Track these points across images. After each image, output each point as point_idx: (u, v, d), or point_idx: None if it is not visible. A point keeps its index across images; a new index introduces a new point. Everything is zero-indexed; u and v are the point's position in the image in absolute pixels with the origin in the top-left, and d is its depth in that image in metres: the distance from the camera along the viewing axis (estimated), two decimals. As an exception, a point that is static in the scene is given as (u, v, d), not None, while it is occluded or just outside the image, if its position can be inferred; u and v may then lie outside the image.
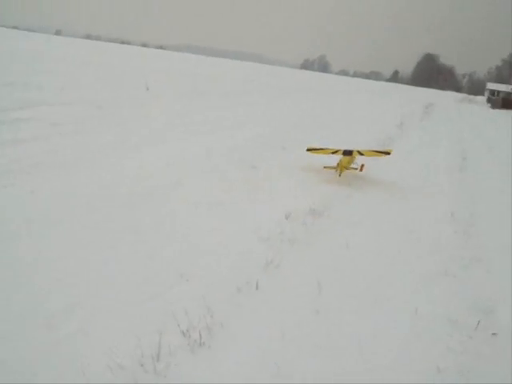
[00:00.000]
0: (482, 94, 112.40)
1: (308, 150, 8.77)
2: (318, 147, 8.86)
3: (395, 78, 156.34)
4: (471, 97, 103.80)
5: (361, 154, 8.22)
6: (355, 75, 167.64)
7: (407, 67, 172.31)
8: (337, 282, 4.16)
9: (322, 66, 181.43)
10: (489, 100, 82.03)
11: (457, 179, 9.01)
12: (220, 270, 4.09)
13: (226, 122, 12.25)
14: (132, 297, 3.52)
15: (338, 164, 7.79)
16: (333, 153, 8.31)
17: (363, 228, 5.64)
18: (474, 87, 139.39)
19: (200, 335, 3.10)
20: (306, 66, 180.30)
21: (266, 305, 3.65)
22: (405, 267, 4.62)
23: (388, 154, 8.38)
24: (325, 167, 7.98)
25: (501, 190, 8.30)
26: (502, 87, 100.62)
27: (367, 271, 4.45)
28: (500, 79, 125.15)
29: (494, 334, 3.56)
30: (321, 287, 3.96)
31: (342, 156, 8.03)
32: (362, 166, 8.04)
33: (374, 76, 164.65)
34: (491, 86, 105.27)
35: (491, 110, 54.78)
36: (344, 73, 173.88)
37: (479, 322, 3.63)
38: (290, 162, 8.53)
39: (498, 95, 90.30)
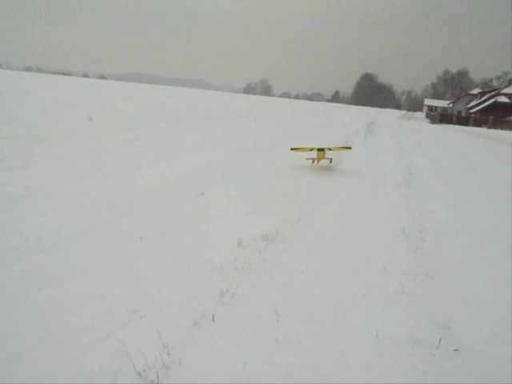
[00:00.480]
0: (420, 109, 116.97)
1: (292, 149, 11.93)
2: (299, 147, 12.12)
3: (336, 98, 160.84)
4: (410, 113, 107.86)
5: (329, 149, 11.79)
6: (297, 97, 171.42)
7: (347, 87, 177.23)
8: (295, 308, 4.11)
9: (264, 90, 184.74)
10: (427, 115, 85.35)
11: (405, 195, 9.19)
12: (175, 304, 3.97)
13: (173, 150, 12.11)
14: (83, 338, 3.35)
15: (315, 158, 11.54)
16: (310, 150, 11.67)
17: (319, 253, 5.62)
18: (413, 104, 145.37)
19: (157, 375, 2.98)
20: (249, 90, 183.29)
21: (224, 337, 3.55)
22: (361, 289, 4.62)
23: (349, 148, 12.81)
24: (306, 159, 11.73)
25: (448, 204, 8.52)
26: (440, 103, 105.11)
27: (324, 295, 4.41)
28: (436, 95, 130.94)
29: (455, 350, 3.58)
30: (279, 315, 3.89)
31: (317, 151, 11.52)
32: (331, 159, 11.77)
33: (316, 97, 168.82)
34: (429, 102, 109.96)
35: (430, 125, 56.87)
36: (286, 95, 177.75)
37: (440, 339, 3.65)
38: (241, 186, 8.47)
39: (435, 110, 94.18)
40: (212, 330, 3.64)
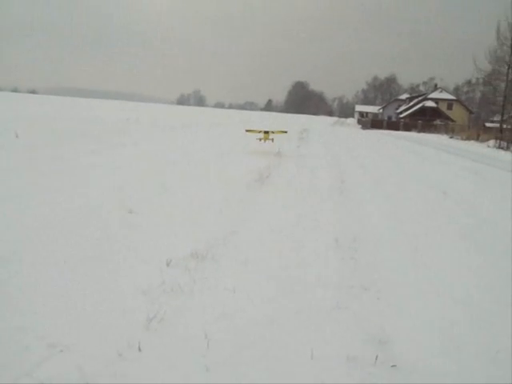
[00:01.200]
0: (352, 116, 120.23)
1: (246, 130, 18.65)
2: (252, 129, 18.92)
3: (269, 106, 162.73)
4: (342, 119, 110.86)
5: (272, 132, 17.60)
6: (231, 107, 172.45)
7: (280, 96, 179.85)
8: (225, 331, 3.93)
9: (198, 100, 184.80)
10: (359, 121, 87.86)
11: (338, 203, 9.23)
12: (97, 334, 3.69)
13: (105, 165, 11.66)
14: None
15: (262, 137, 17.33)
16: (259, 132, 17.75)
17: (252, 269, 5.47)
18: (344, 110, 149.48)
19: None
20: (182, 101, 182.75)
21: (151, 368, 3.32)
22: (296, 305, 4.50)
23: (285, 132, 18.88)
24: (256, 139, 17.53)
25: (381, 213, 8.60)
26: (370, 108, 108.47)
27: (256, 315, 4.26)
28: (367, 101, 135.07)
29: (393, 365, 3.50)
30: (209, 339, 3.71)
31: (263, 133, 17.37)
32: (273, 139, 17.41)
33: (249, 106, 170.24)
34: (360, 108, 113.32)
35: (362, 131, 58.57)
36: (220, 105, 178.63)
37: (377, 356, 3.57)
38: (171, 202, 8.21)
39: (366, 116, 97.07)
40: (138, 360, 3.40)
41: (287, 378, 3.33)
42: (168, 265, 5.23)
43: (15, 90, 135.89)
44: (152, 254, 5.57)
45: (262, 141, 17.22)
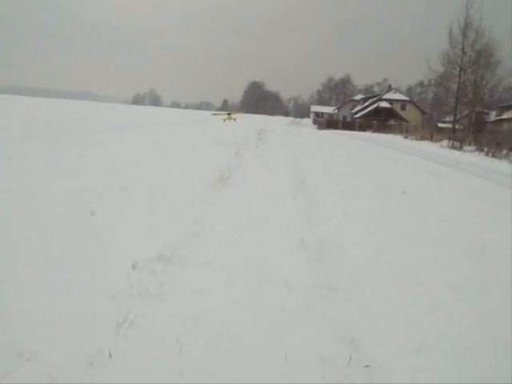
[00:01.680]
0: (308, 116, 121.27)
1: (212, 114, 43.54)
2: (218, 112, 46.18)
3: (225, 106, 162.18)
4: (298, 120, 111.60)
5: (233, 113, 42.52)
6: (187, 107, 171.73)
7: (236, 96, 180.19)
8: (196, 334, 3.90)
9: (153, 100, 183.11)
10: (315, 121, 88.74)
11: (301, 204, 9.28)
12: (66, 342, 3.59)
13: (59, 166, 11.31)
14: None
15: (226, 118, 41.02)
16: (223, 114, 42.25)
17: (218, 271, 5.42)
18: (300, 110, 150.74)
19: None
20: (137, 100, 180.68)
21: (123, 375, 3.28)
22: (265, 306, 4.49)
23: (244, 113, 58.69)
24: (222, 119, 39.68)
25: (343, 212, 8.65)
26: (326, 109, 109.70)
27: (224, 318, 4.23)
28: (322, 102, 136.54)
29: (366, 366, 3.54)
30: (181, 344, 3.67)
31: (227, 115, 41.60)
32: (235, 119, 40.54)
33: (205, 106, 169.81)
34: (315, 108, 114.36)
35: (318, 131, 59.14)
36: (176, 105, 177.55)
37: (351, 356, 3.59)
38: (134, 204, 8.06)
39: (322, 117, 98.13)
40: (109, 368, 3.34)
41: (260, 380, 3.32)
42: (134, 268, 5.15)
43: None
44: (118, 257, 5.48)
45: (227, 121, 26.54)
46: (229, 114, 37.65)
